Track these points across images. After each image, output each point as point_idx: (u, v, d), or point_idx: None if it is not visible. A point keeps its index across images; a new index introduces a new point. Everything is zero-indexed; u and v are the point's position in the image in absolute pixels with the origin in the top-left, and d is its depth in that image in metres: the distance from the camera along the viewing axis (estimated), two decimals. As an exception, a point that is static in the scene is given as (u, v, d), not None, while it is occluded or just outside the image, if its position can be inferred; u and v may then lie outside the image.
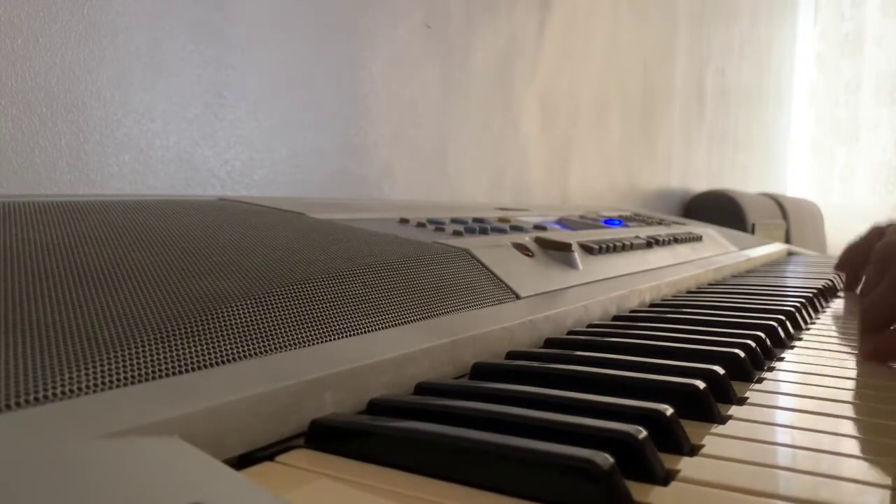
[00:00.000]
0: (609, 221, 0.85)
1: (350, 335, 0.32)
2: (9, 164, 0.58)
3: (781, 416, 0.30)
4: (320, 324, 0.31)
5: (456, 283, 0.42)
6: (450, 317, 0.38)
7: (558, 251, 0.55)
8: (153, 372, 0.24)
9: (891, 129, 3.04)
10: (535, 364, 0.34)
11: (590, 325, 0.47)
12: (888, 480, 0.23)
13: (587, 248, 0.60)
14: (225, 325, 0.28)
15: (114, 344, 0.24)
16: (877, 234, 0.71)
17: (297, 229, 0.44)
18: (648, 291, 0.59)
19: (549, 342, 0.42)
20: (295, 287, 0.32)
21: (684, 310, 0.53)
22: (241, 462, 0.23)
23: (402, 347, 0.31)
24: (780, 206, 2.24)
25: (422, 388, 0.31)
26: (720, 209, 1.92)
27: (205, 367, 0.25)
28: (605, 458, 0.20)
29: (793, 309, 0.52)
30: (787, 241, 2.12)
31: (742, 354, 0.36)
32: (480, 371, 0.35)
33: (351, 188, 0.90)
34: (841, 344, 0.47)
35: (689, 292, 0.66)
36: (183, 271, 0.32)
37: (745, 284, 0.71)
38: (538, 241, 0.55)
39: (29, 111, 0.59)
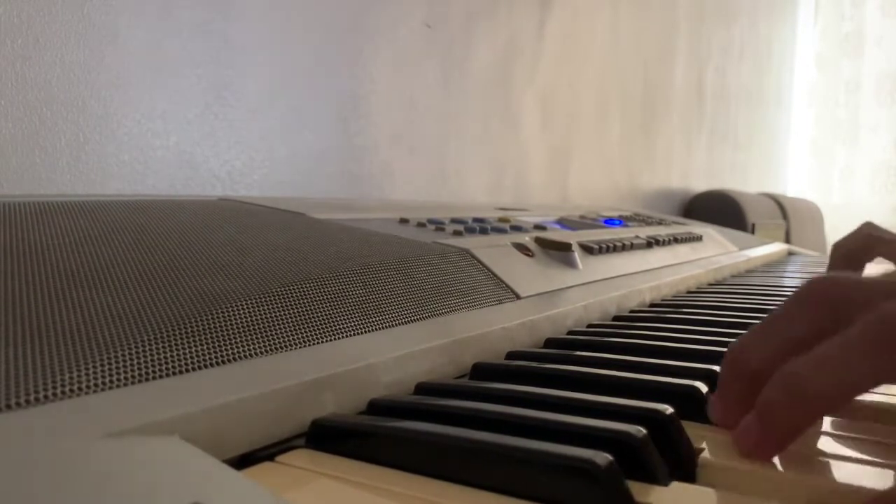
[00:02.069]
0: (609, 221, 0.85)
1: (350, 335, 0.32)
2: (9, 164, 0.57)
3: (781, 416, 0.30)
4: (320, 324, 0.31)
5: (456, 283, 0.42)
6: (450, 317, 0.38)
7: (558, 251, 0.55)
8: (153, 372, 0.24)
9: (891, 129, 3.04)
10: (535, 364, 0.34)
11: (590, 325, 0.47)
12: (888, 481, 0.23)
13: (587, 248, 0.60)
14: (225, 325, 0.28)
15: (114, 344, 0.24)
16: (867, 233, 0.69)
17: (297, 229, 0.44)
18: (648, 291, 0.59)
19: (549, 342, 0.42)
20: (295, 287, 0.32)
21: (684, 310, 0.53)
22: (242, 462, 0.23)
23: (402, 347, 0.31)
24: (780, 206, 2.24)
25: (422, 388, 0.31)
26: (720, 209, 1.92)
27: (205, 367, 0.25)
28: (605, 458, 0.20)
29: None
30: (787, 241, 2.12)
31: (742, 354, 0.36)
32: (480, 371, 0.35)
33: (351, 188, 0.90)
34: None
35: (689, 292, 0.66)
36: (183, 271, 0.32)
37: (745, 284, 0.70)
38: (538, 241, 0.55)
39: (29, 111, 0.59)
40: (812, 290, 0.26)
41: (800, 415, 0.23)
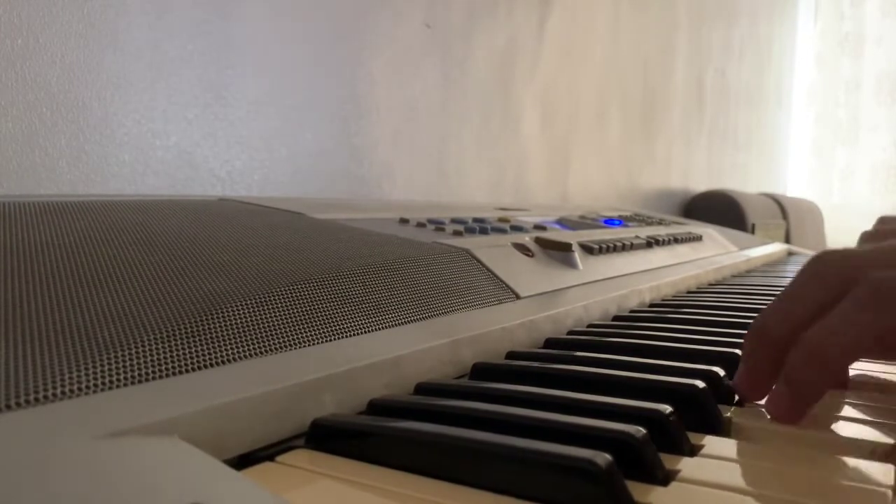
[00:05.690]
0: (609, 221, 0.85)
1: (350, 335, 0.32)
2: (9, 164, 0.57)
3: (781, 416, 0.30)
4: (320, 324, 0.31)
5: (456, 283, 0.42)
6: (450, 317, 0.38)
7: (558, 251, 0.55)
8: (153, 372, 0.24)
9: (891, 129, 3.04)
10: (536, 364, 0.34)
11: (590, 325, 0.47)
12: (889, 480, 0.23)
13: (587, 248, 0.60)
14: (225, 325, 0.28)
15: (114, 344, 0.24)
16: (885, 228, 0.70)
17: (297, 229, 0.44)
18: (648, 291, 0.59)
19: (550, 342, 0.42)
20: (295, 287, 0.32)
21: (684, 310, 0.53)
22: (242, 462, 0.23)
23: (402, 347, 0.31)
24: (780, 206, 2.24)
25: (422, 388, 0.31)
26: (720, 209, 1.92)
27: (205, 367, 0.25)
28: (605, 458, 0.20)
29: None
30: (787, 241, 2.12)
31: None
32: (480, 371, 0.35)
33: (351, 188, 0.90)
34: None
35: (689, 292, 0.66)
36: (183, 271, 0.32)
37: (745, 284, 0.70)
38: (538, 241, 0.55)
39: (29, 111, 0.59)
40: (814, 269, 0.31)
41: (819, 374, 0.28)
